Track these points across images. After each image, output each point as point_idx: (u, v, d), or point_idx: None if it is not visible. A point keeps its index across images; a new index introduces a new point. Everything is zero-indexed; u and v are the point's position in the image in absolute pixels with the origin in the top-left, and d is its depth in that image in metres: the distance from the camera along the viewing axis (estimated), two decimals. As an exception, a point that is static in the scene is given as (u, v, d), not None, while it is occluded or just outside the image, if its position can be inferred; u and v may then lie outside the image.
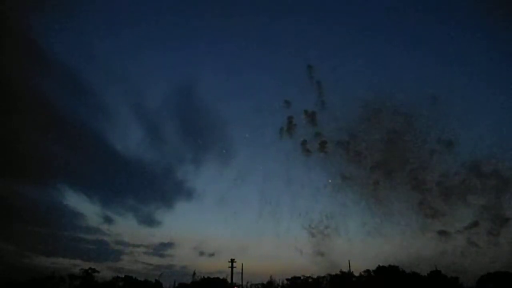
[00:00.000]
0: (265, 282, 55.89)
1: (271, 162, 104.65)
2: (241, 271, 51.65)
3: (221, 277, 54.49)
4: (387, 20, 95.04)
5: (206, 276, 54.92)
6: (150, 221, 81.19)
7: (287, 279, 55.53)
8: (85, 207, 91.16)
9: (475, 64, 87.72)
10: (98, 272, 50.77)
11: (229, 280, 52.38)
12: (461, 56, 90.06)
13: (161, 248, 74.01)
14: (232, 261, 51.43)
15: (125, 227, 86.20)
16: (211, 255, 71.84)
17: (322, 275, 54.15)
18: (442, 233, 61.37)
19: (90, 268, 50.59)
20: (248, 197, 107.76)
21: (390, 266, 49.51)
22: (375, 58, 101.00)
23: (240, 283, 52.56)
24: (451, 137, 69.86)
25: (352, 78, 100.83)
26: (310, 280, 54.56)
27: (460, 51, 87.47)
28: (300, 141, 77.84)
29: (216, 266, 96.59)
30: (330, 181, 73.87)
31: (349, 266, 50.64)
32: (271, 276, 56.05)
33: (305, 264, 79.83)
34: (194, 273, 54.33)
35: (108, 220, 74.68)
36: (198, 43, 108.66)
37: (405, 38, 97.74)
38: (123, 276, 52.89)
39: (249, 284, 55.48)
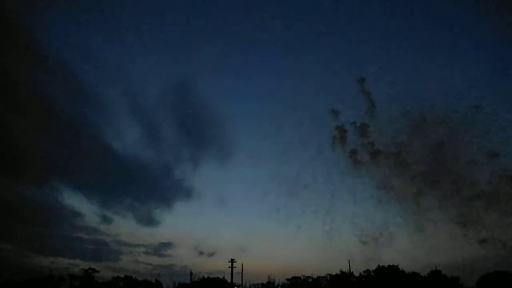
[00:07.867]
0: (265, 282, 55.89)
1: (317, 170, 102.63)
2: (241, 271, 51.69)
3: (221, 277, 54.43)
4: (432, 33, 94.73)
5: (206, 276, 54.82)
6: (149, 221, 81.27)
7: (287, 279, 55.56)
8: (83, 206, 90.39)
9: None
10: (98, 272, 50.78)
11: (229, 280, 52.39)
12: (505, 67, 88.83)
13: (160, 248, 74.13)
14: (232, 261, 51.41)
15: (124, 227, 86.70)
16: (211, 255, 71.83)
17: (322, 275, 54.24)
18: (483, 241, 60.88)
19: (90, 268, 50.52)
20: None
21: (389, 266, 49.37)
22: (421, 70, 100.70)
23: (240, 283, 52.55)
24: (494, 147, 69.80)
25: (399, 90, 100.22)
26: (310, 280, 54.54)
27: (503, 62, 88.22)
28: (348, 150, 78.63)
29: (216, 266, 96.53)
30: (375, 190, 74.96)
31: (349, 266, 50.76)
32: (269, 276, 56.06)
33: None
34: (191, 273, 54.14)
35: (107, 219, 74.65)
36: (198, 44, 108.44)
37: (450, 50, 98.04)
38: (123, 276, 52.90)
39: (248, 284, 55.51)
